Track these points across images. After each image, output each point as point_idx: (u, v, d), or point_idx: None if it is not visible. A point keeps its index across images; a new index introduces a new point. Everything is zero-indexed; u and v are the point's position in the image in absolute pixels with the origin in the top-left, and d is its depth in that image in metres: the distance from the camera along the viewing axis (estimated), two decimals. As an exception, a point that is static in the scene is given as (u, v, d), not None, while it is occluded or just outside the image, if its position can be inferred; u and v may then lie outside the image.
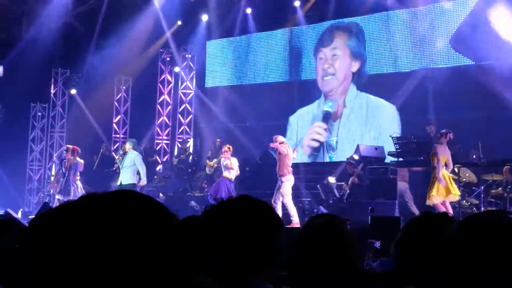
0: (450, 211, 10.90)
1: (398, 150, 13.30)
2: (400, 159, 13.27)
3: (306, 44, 18.00)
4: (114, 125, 20.02)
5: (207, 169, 16.45)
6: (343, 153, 15.84)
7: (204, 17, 19.15)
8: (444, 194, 11.34)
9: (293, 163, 12.89)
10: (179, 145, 19.55)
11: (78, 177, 14.90)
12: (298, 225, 11.72)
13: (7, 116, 18.11)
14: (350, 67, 16.92)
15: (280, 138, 12.82)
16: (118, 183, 14.39)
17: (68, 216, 0.99)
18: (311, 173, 15.87)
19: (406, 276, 2.35)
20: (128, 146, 14.59)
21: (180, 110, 20.12)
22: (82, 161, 14.95)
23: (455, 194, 11.46)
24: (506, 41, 13.79)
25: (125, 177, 14.28)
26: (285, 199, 12.24)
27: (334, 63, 17.09)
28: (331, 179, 14.65)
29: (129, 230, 0.97)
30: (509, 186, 12.26)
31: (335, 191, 14.23)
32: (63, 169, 14.80)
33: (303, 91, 17.70)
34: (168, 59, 20.18)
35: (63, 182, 14.57)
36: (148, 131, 19.58)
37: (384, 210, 11.51)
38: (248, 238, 1.84)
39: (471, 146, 12.96)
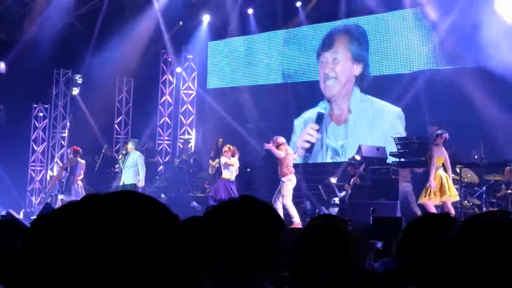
0: (452, 211, 10.91)
1: (400, 151, 13.29)
2: (402, 159, 13.26)
3: (308, 45, 17.98)
4: (116, 125, 20.03)
5: (209, 170, 16.46)
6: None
7: (206, 18, 19.15)
8: (439, 196, 11.37)
9: (293, 164, 12.88)
10: (181, 146, 19.57)
11: (80, 177, 14.94)
12: (299, 226, 11.71)
13: (9, 116, 18.12)
14: (352, 70, 16.85)
15: (280, 139, 12.80)
16: (121, 183, 14.45)
17: (70, 216, 0.99)
18: (312, 173, 15.86)
19: (407, 277, 2.35)
20: (130, 146, 14.64)
21: (182, 110, 20.13)
22: (83, 161, 14.98)
23: (450, 195, 11.43)
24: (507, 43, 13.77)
25: (127, 177, 14.34)
26: (284, 200, 12.21)
27: (335, 67, 17.04)
28: (333, 180, 14.65)
29: (131, 231, 0.97)
30: (511, 187, 12.27)
31: (337, 191, 14.22)
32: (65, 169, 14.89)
33: (305, 92, 17.69)
34: (169, 59, 20.17)
35: (65, 182, 14.62)
36: (150, 131, 19.59)
37: (386, 210, 11.51)
38: (248, 238, 1.84)
39: (473, 147, 12.97)
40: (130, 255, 0.95)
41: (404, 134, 14.97)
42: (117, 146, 19.49)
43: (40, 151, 19.48)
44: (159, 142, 20.11)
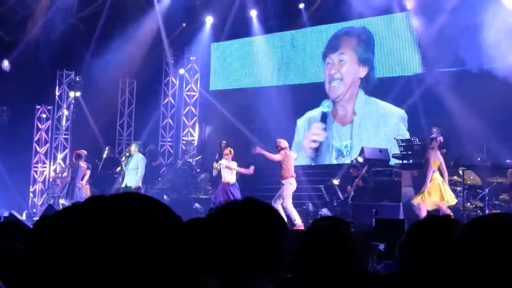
0: (448, 211, 10.99)
1: (403, 153, 13.29)
2: (405, 161, 13.26)
3: (311, 47, 17.98)
4: (118, 127, 20.03)
5: (213, 172, 16.48)
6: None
7: (209, 19, 19.17)
8: (436, 199, 11.46)
9: (296, 166, 12.87)
10: (183, 147, 19.57)
11: (85, 180, 14.96)
12: (302, 228, 11.70)
13: (12, 117, 18.14)
14: (357, 72, 16.87)
15: (283, 143, 12.78)
16: (123, 185, 14.48)
17: (73, 218, 0.99)
18: (314, 175, 15.86)
19: (410, 279, 2.35)
20: (133, 148, 14.69)
21: (184, 112, 20.14)
22: (84, 165, 15.01)
23: (447, 201, 11.53)
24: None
25: (130, 179, 14.38)
26: (284, 203, 12.18)
27: (340, 69, 17.06)
28: (335, 181, 14.64)
29: (134, 232, 0.97)
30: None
31: (339, 193, 14.22)
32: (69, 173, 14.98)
33: (308, 94, 17.69)
34: (172, 61, 20.19)
35: (66, 186, 14.65)
36: (152, 133, 19.59)
37: (389, 212, 11.50)
38: (248, 238, 1.84)
39: (476, 149, 12.96)
40: (133, 257, 0.95)
41: (407, 136, 14.96)
42: (120, 148, 19.50)
43: (43, 152, 19.49)
44: (162, 143, 20.12)
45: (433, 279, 2.14)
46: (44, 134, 19.54)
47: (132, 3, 18.40)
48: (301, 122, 17.76)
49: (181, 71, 20.20)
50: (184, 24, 19.28)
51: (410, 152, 13.10)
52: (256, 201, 1.98)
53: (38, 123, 19.50)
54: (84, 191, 14.50)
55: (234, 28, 18.87)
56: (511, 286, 1.61)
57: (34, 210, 18.03)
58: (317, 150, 17.10)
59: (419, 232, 2.48)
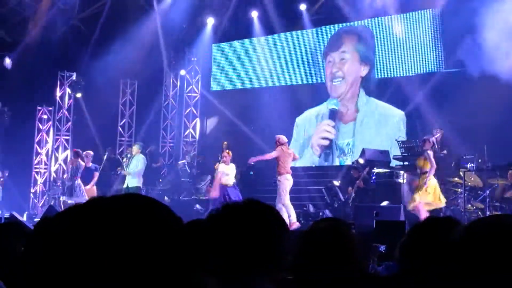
0: (427, 214, 11.04)
1: (404, 154, 13.28)
2: (406, 163, 13.25)
3: (312, 48, 17.99)
4: (120, 128, 20.04)
5: (215, 173, 16.48)
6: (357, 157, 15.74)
7: (210, 20, 19.19)
8: (432, 200, 11.55)
9: (297, 167, 12.87)
10: (184, 148, 19.58)
11: (93, 181, 14.97)
12: (296, 225, 11.75)
13: (13, 118, 18.14)
14: (359, 71, 16.88)
15: (282, 139, 12.78)
16: (124, 186, 14.50)
17: (74, 219, 0.99)
18: (315, 176, 15.85)
19: (410, 280, 2.35)
20: (135, 149, 14.75)
21: (186, 113, 20.15)
22: (83, 163, 15.01)
23: (441, 201, 11.65)
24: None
25: (131, 180, 14.39)
26: (282, 199, 12.16)
27: (342, 67, 17.07)
28: (336, 183, 14.64)
29: (135, 233, 0.97)
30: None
31: (340, 194, 14.21)
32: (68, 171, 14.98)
33: (310, 94, 17.70)
34: (173, 62, 20.20)
35: (67, 184, 14.68)
36: (153, 134, 19.60)
37: (389, 214, 11.50)
38: (248, 238, 1.85)
39: (477, 150, 12.94)
40: (133, 257, 0.96)
41: (405, 138, 14.98)
42: (121, 149, 19.50)
43: (44, 153, 19.50)
44: (163, 144, 20.12)
45: (433, 281, 2.14)
46: (45, 135, 19.54)
47: (133, 4, 18.41)
48: (301, 120, 17.74)
49: (182, 72, 20.21)
50: (185, 26, 19.29)
51: (411, 154, 13.10)
52: (256, 202, 1.98)
53: (39, 124, 19.50)
54: (83, 189, 14.47)
55: (235, 29, 18.89)
56: (511, 286, 1.61)
57: (35, 211, 18.03)
58: (326, 147, 17.05)
59: (420, 233, 2.48)
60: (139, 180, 14.52)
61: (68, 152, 18.92)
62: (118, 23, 17.96)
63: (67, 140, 19.41)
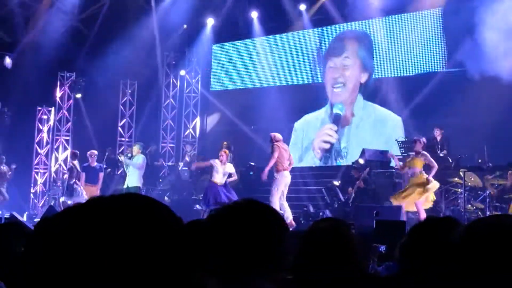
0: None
1: (404, 154, 13.28)
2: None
3: (312, 48, 18.00)
4: (120, 128, 20.03)
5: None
6: (352, 160, 15.76)
7: (210, 21, 19.20)
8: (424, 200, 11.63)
9: (297, 167, 12.85)
10: (184, 148, 19.58)
11: (99, 182, 15.00)
12: (290, 222, 11.74)
13: (13, 119, 18.14)
14: (359, 78, 16.90)
15: (278, 136, 12.77)
16: (125, 186, 14.53)
17: (74, 219, 0.99)
18: (315, 177, 15.86)
19: (410, 280, 2.35)
20: (136, 149, 14.77)
21: (186, 113, 20.16)
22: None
23: (431, 200, 11.80)
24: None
25: (132, 180, 14.41)
26: (271, 196, 12.11)
27: (344, 73, 17.06)
28: (336, 183, 14.65)
29: (135, 233, 0.97)
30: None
31: (340, 195, 14.22)
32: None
33: (309, 95, 17.70)
34: (173, 62, 20.21)
35: (66, 185, 14.70)
36: (153, 134, 19.60)
37: (390, 214, 11.49)
38: (248, 238, 1.85)
39: (477, 150, 12.95)
40: (133, 257, 0.96)
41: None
42: (121, 149, 19.50)
43: (44, 153, 19.49)
44: (163, 144, 20.12)
45: (433, 281, 2.14)
46: (45, 136, 19.53)
47: (133, 5, 18.42)
48: (299, 125, 17.75)
49: (182, 72, 20.22)
50: (185, 26, 19.29)
51: (411, 154, 13.09)
52: (256, 201, 1.98)
53: (39, 125, 19.49)
54: (83, 190, 14.48)
55: (235, 29, 18.90)
56: (511, 286, 1.61)
57: (35, 211, 18.02)
58: (327, 151, 17.07)
59: (420, 233, 2.48)
60: (139, 180, 14.53)
61: (68, 152, 18.92)
62: (118, 24, 17.97)
63: (67, 141, 19.40)
